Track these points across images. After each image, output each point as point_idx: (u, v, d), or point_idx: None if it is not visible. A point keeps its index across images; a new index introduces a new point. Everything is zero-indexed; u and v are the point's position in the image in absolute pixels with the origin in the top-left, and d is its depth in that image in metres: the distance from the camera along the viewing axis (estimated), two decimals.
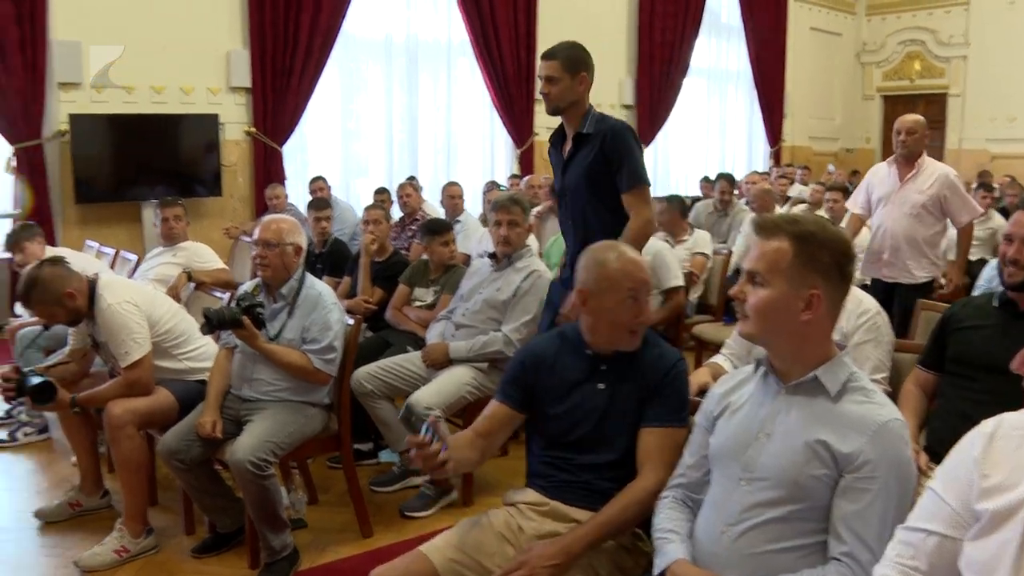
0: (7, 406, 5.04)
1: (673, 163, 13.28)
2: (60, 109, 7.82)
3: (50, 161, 7.82)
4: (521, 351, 2.59)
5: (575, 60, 3.42)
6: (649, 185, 3.44)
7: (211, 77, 8.54)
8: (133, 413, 3.49)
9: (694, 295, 5.91)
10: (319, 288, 3.55)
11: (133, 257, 5.71)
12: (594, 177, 3.42)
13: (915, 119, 5.05)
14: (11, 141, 7.59)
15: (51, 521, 3.92)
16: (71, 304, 3.54)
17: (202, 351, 3.77)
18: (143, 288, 3.93)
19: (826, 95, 15.70)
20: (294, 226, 3.55)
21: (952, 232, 5.33)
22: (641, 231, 3.34)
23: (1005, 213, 7.47)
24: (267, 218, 3.64)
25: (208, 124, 8.38)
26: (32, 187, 7.66)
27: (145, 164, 8.12)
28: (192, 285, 4.80)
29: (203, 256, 5.07)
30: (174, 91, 8.34)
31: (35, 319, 5.12)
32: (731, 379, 2.16)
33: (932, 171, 4.99)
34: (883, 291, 4.98)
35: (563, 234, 3.73)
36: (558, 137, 3.63)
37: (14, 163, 7.64)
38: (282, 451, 3.32)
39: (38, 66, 7.61)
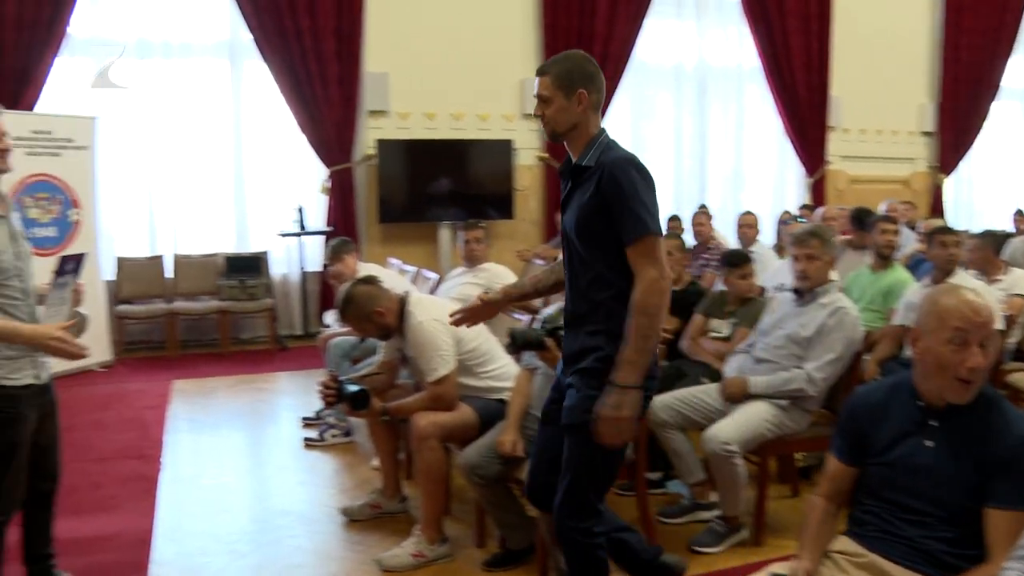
0: (317, 408, 5.45)
1: (978, 194, 12.26)
2: (368, 135, 8.46)
3: (358, 183, 8.48)
4: (852, 399, 2.45)
5: (569, 75, 2.68)
6: (658, 234, 2.59)
7: (506, 104, 8.90)
8: (437, 426, 3.65)
9: (1011, 340, 5.39)
10: None
11: (433, 276, 6.01)
12: (587, 223, 2.66)
13: None
14: (327, 164, 8.30)
15: (354, 519, 4.18)
16: (380, 321, 3.78)
17: (503, 370, 3.87)
18: (451, 307, 4.09)
19: None
20: None
21: None
22: (646, 299, 2.54)
23: None
24: None
25: (502, 149, 8.72)
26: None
27: (441, 187, 8.56)
28: None
29: (504, 278, 5.20)
30: (472, 118, 8.77)
31: (345, 330, 5.50)
32: None
33: None
34: None
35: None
36: (567, 166, 2.84)
37: (328, 185, 8.32)
38: None
39: (352, 97, 8.30)
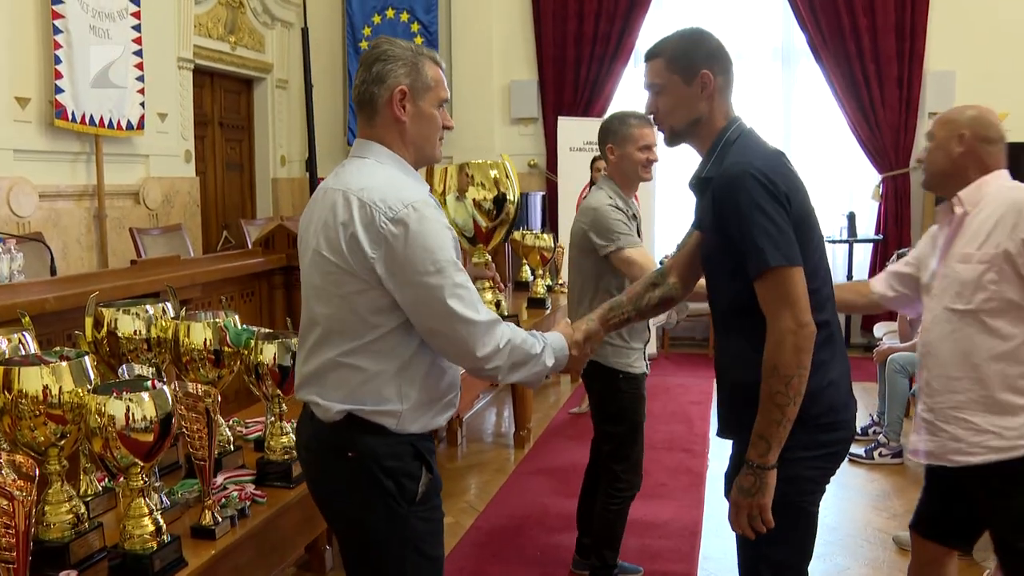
0: (864, 423, 5.25)
1: None
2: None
3: (915, 190, 7.98)
4: None
5: (687, 54, 2.15)
6: (786, 266, 1.97)
7: None
8: None
9: None
10: None
11: None
12: (708, 249, 2.24)
13: (947, 116, 2.61)
14: (880, 170, 7.95)
15: (907, 549, 3.92)
16: None
17: None
18: None
19: None
20: None
21: None
22: (776, 357, 1.99)
23: None
24: None
25: None
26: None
27: None
28: None
29: None
30: None
31: (905, 345, 5.22)
32: None
33: (992, 206, 2.44)
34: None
35: None
36: (693, 178, 2.30)
37: (881, 191, 7.98)
38: None
39: (912, 99, 7.83)
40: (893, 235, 7.88)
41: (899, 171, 7.90)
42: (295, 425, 2.24)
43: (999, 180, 2.48)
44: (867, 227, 8.09)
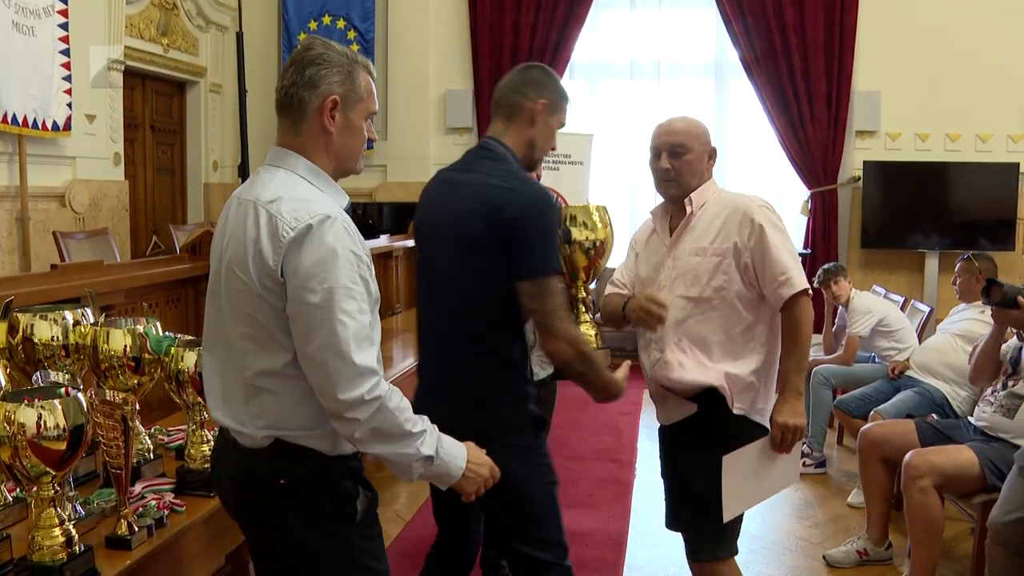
0: None
1: None
2: (855, 156, 8.13)
3: (842, 205, 8.17)
4: None
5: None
6: None
7: (1012, 124, 8.02)
8: (931, 467, 3.43)
9: None
10: None
11: (925, 307, 5.61)
12: None
13: (686, 124, 2.82)
14: (809, 186, 8.12)
15: (837, 567, 3.98)
16: None
17: None
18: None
19: None
20: None
21: None
22: None
23: None
24: None
25: (1004, 173, 7.87)
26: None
27: (929, 213, 7.96)
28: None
29: None
30: (969, 139, 8.04)
31: (831, 357, 5.31)
32: None
33: (715, 208, 2.80)
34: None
35: None
36: None
37: (810, 206, 8.14)
38: None
39: (840, 117, 8.02)
40: (821, 249, 8.04)
41: (827, 187, 8.09)
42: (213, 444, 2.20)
43: (714, 186, 2.84)
44: (796, 242, 8.20)
